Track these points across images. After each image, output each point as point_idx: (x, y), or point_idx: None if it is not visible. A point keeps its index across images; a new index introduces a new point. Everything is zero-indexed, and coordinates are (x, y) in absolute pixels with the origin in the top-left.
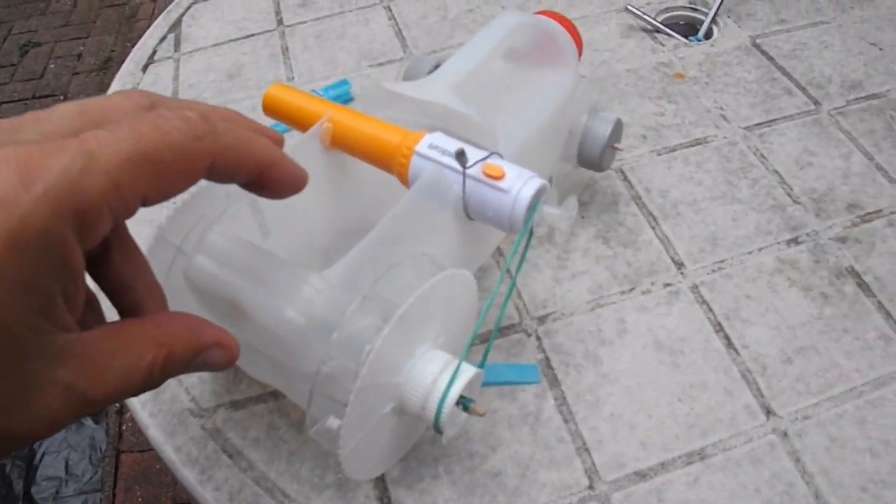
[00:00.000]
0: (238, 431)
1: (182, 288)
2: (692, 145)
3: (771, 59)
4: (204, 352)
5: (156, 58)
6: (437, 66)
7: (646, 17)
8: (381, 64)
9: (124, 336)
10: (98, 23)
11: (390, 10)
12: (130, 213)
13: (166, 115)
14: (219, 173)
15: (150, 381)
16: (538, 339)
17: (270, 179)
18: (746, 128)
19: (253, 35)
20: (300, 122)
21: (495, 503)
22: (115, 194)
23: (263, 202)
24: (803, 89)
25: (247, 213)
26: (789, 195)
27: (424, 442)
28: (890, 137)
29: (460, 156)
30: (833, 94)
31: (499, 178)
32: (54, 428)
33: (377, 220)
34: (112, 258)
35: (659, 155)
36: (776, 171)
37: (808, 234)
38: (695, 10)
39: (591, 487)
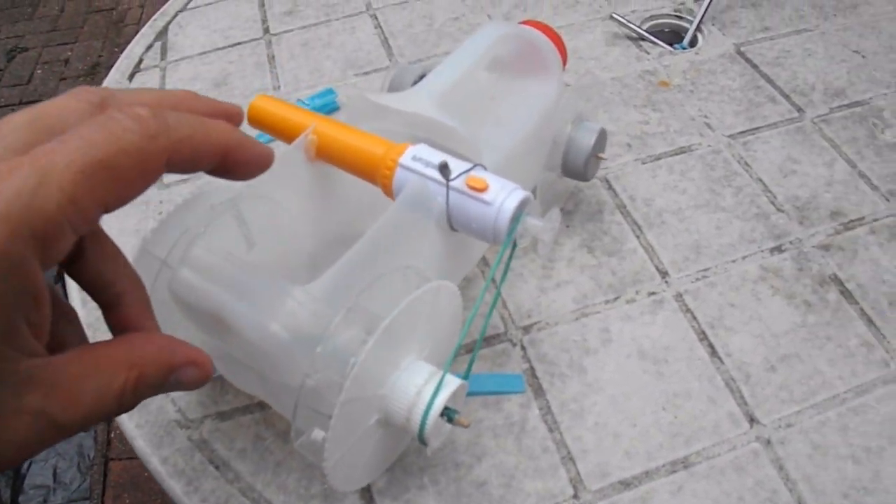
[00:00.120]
0: (224, 442)
1: (167, 301)
2: (677, 153)
3: (755, 66)
4: (176, 371)
5: (142, 66)
6: (422, 76)
7: (631, 25)
8: (366, 73)
9: (95, 359)
10: (85, 28)
11: (376, 18)
12: (92, 223)
13: (117, 118)
14: (178, 166)
15: (123, 403)
16: (523, 348)
17: (233, 163)
18: (731, 136)
19: (239, 43)
20: (285, 134)
21: None
22: (73, 208)
23: (248, 214)
24: (787, 97)
25: (232, 225)
26: (773, 203)
27: (410, 452)
28: (872, 145)
29: (443, 169)
30: (816, 102)
31: (482, 190)
32: (24, 455)
33: (362, 230)
34: (86, 256)
35: (644, 163)
36: (760, 179)
37: (791, 242)
38: (679, 17)
39: (575, 497)
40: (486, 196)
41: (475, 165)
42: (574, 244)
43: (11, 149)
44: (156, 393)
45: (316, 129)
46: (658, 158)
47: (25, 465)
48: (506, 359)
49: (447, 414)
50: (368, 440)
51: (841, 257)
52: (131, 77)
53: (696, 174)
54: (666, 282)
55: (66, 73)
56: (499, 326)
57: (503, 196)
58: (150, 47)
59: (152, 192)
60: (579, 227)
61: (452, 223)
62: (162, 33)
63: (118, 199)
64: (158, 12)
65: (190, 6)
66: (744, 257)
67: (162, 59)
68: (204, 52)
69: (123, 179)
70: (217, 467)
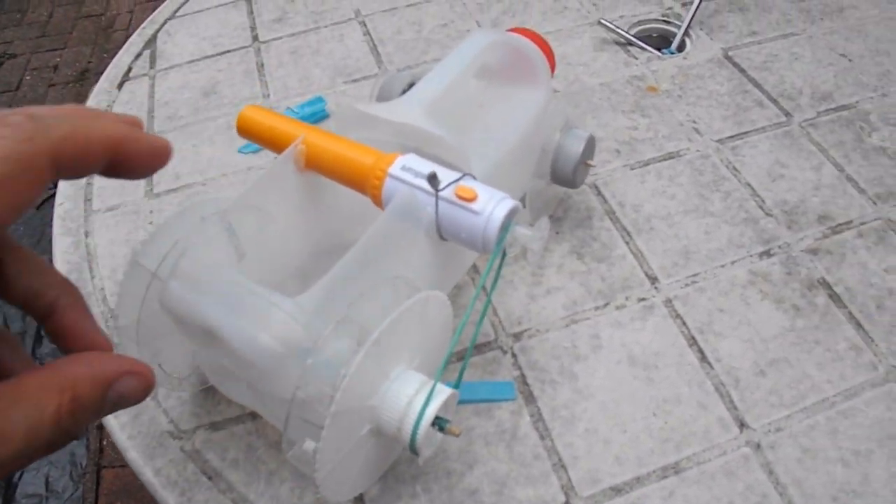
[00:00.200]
0: (217, 453)
1: (158, 313)
2: (665, 159)
3: (743, 71)
4: (114, 384)
5: (131, 75)
6: (411, 84)
7: (619, 30)
8: (356, 80)
9: (20, 389)
10: (74, 34)
11: (365, 25)
12: None
13: None
14: (68, 167)
15: (62, 431)
16: (514, 355)
17: (125, 157)
18: (719, 140)
19: (228, 51)
20: (274, 144)
21: None
22: None
23: (238, 225)
24: (775, 101)
25: (222, 236)
26: (761, 208)
27: (402, 461)
28: (859, 149)
29: (432, 179)
30: (804, 106)
31: (471, 199)
32: None
33: (352, 240)
34: (5, 271)
35: (632, 169)
36: (748, 184)
37: (780, 247)
38: (667, 22)
39: (567, 503)
40: (475, 206)
41: (464, 175)
42: (563, 251)
43: None
44: (98, 414)
45: (305, 140)
46: (647, 164)
47: (17, 475)
48: (496, 366)
49: (438, 423)
50: (360, 450)
51: (829, 261)
52: (120, 86)
53: (684, 179)
54: (655, 287)
55: (55, 80)
56: (489, 334)
57: (492, 206)
58: (138, 56)
59: (142, 202)
60: (568, 233)
61: (442, 233)
62: (151, 41)
63: (12, 209)
64: (147, 20)
65: (179, 14)
66: (733, 262)
67: (151, 67)
68: (193, 61)
69: (9, 189)
70: (210, 478)
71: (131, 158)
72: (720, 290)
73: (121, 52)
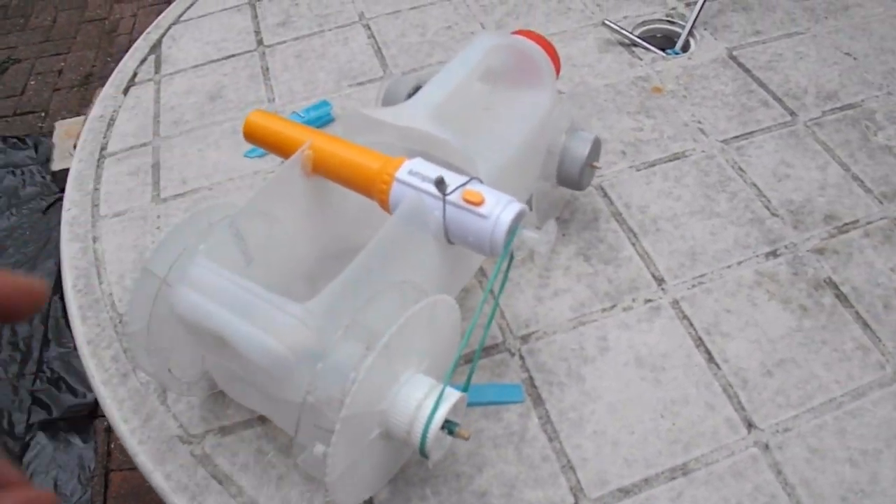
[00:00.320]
0: (227, 457)
1: (167, 318)
2: (671, 160)
3: (747, 70)
4: None
5: (137, 80)
6: (416, 88)
7: (623, 31)
8: (361, 83)
9: None
10: (78, 38)
11: (369, 28)
12: None
13: None
14: None
15: None
16: (521, 358)
17: None
18: (724, 141)
19: (233, 56)
20: (281, 149)
21: None
22: None
23: (246, 230)
24: (780, 101)
25: (230, 241)
26: (767, 208)
27: (411, 464)
28: (865, 148)
29: (440, 184)
30: (809, 105)
31: (478, 203)
32: None
33: (359, 244)
34: None
35: (638, 170)
36: (754, 184)
37: (786, 247)
38: (671, 22)
39: None
40: (482, 209)
41: (471, 179)
42: (570, 253)
43: None
44: None
45: (312, 145)
46: (652, 165)
47: (27, 477)
48: (504, 368)
49: (448, 427)
50: (370, 454)
51: (835, 261)
52: (126, 91)
53: (690, 180)
54: (662, 289)
55: (59, 84)
56: (497, 336)
57: (499, 209)
58: (143, 61)
59: (149, 207)
60: (575, 235)
61: (449, 236)
62: (156, 46)
63: None
64: (152, 25)
65: (183, 18)
66: (739, 263)
67: (156, 72)
68: (198, 65)
69: None
70: (220, 482)
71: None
72: (727, 290)
73: (126, 57)
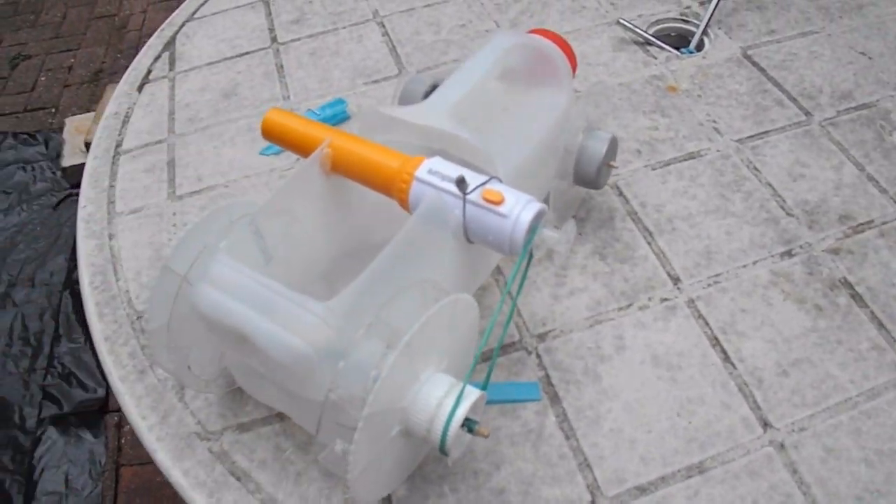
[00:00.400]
0: (245, 454)
1: (187, 316)
2: (686, 159)
3: (762, 70)
4: None
5: (151, 77)
6: (433, 86)
7: (637, 30)
8: (376, 81)
9: None
10: (88, 34)
11: (383, 25)
12: None
13: None
14: None
15: None
16: (538, 356)
17: None
18: (739, 140)
19: (247, 53)
20: (299, 147)
21: None
22: None
23: (266, 228)
24: (794, 100)
25: (250, 239)
26: (782, 208)
27: (429, 461)
28: (880, 147)
29: (461, 183)
30: (824, 105)
31: (498, 203)
32: None
33: (375, 241)
34: None
35: (653, 169)
36: (769, 184)
37: (801, 247)
38: (686, 21)
39: (593, 503)
40: (502, 209)
41: (491, 178)
42: (586, 251)
43: None
44: None
45: (331, 143)
46: (668, 164)
47: (38, 472)
48: (521, 367)
49: (467, 424)
50: (389, 451)
51: (850, 261)
52: (140, 88)
53: (705, 179)
54: (678, 288)
55: (69, 80)
56: (514, 335)
57: (519, 208)
58: (158, 58)
59: (165, 204)
60: (591, 234)
61: (469, 235)
62: (170, 43)
63: None
64: (166, 22)
65: (197, 16)
66: (754, 262)
67: (170, 69)
68: (212, 62)
69: None
70: (238, 478)
71: None
72: (742, 290)
73: (140, 54)
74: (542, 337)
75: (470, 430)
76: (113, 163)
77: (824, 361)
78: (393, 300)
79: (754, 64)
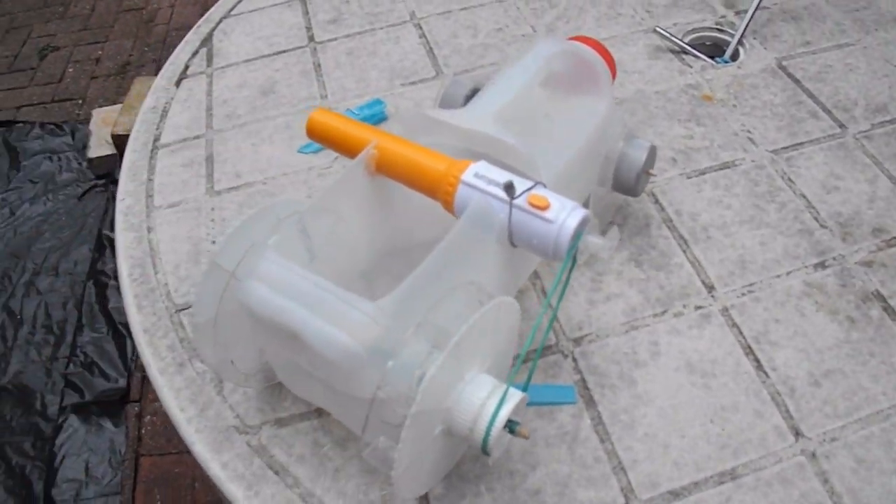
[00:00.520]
0: (283, 448)
1: (234, 312)
2: (721, 168)
3: (797, 81)
4: None
5: (188, 73)
6: (473, 90)
7: (673, 38)
8: (413, 83)
9: None
10: (116, 27)
11: (420, 27)
12: None
13: None
14: None
15: None
16: (574, 360)
17: None
18: (773, 151)
19: (284, 51)
20: (344, 147)
21: None
22: None
23: (312, 227)
24: (829, 112)
25: (297, 237)
26: (816, 219)
27: (466, 460)
28: None
29: (509, 188)
30: (858, 118)
31: (544, 208)
32: None
33: (417, 242)
34: None
35: (689, 178)
36: (803, 195)
37: (834, 259)
38: (721, 31)
39: None
40: (547, 214)
41: (536, 184)
42: (622, 258)
43: None
44: None
45: (377, 145)
46: (703, 173)
47: (58, 459)
48: (557, 370)
49: (509, 426)
50: (431, 449)
51: (884, 274)
52: (178, 83)
53: (740, 189)
54: (712, 296)
55: (96, 72)
56: (550, 338)
57: (564, 214)
58: (195, 53)
59: (203, 199)
60: (627, 241)
61: (513, 240)
62: (207, 39)
63: None
64: (203, 18)
65: (234, 13)
66: (788, 273)
67: (208, 65)
68: (249, 60)
69: None
70: (276, 472)
71: None
72: (776, 300)
73: (177, 49)
74: (578, 341)
75: (511, 431)
76: (151, 157)
77: (856, 373)
78: (440, 302)
79: (789, 75)
